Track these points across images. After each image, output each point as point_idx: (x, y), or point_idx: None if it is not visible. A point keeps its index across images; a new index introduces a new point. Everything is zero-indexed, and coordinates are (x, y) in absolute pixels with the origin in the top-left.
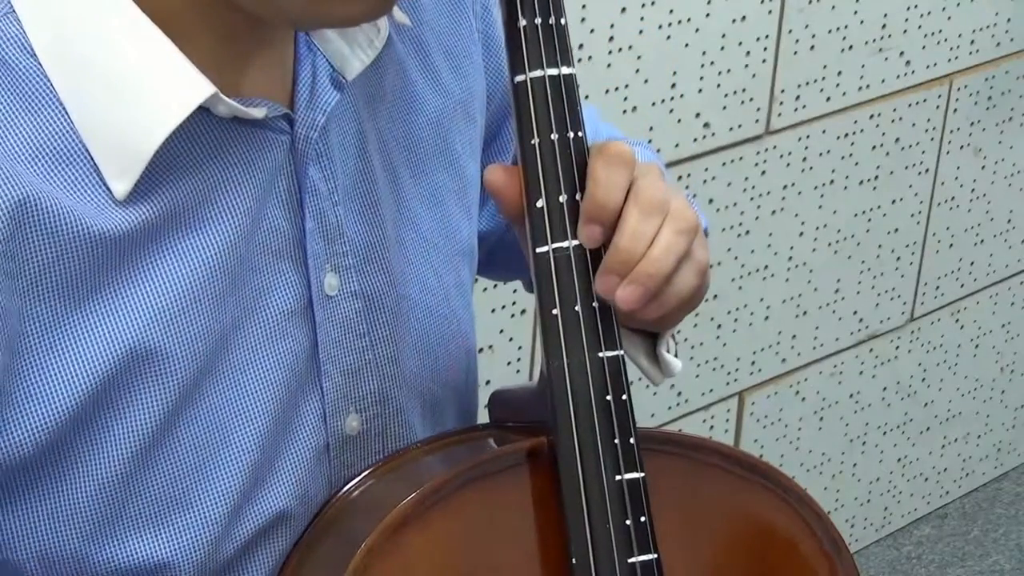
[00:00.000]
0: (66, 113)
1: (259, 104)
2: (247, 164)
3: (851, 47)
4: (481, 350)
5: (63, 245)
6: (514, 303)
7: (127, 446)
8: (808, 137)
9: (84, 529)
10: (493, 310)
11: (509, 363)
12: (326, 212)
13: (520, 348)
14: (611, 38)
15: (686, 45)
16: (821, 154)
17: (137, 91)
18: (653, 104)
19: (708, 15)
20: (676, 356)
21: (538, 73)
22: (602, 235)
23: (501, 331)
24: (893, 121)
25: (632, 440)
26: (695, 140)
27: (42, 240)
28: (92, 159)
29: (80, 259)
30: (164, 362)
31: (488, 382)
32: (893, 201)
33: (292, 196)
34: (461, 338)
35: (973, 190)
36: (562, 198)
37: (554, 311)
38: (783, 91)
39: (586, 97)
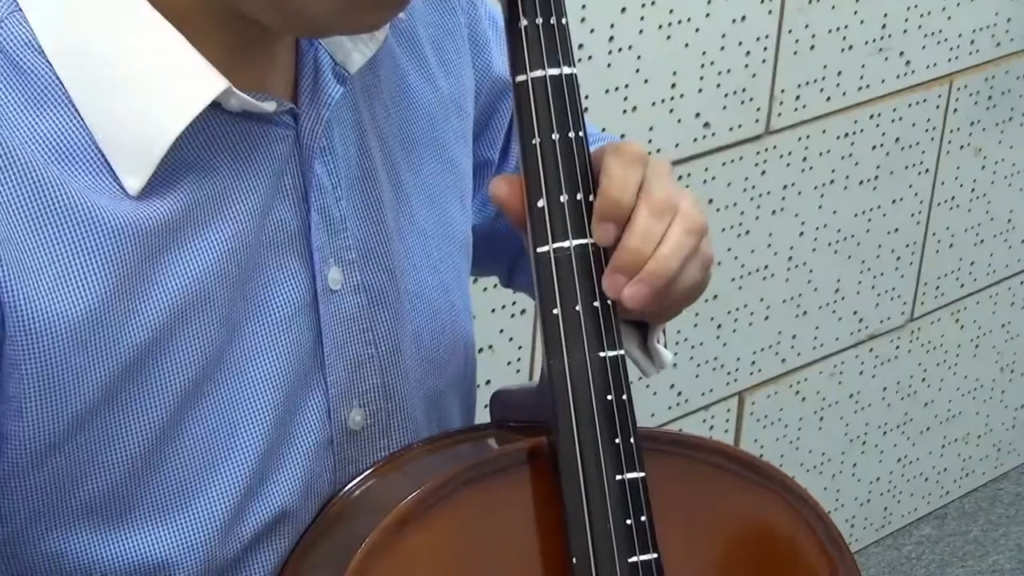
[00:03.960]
0: (76, 111)
1: (267, 98)
2: (255, 160)
3: (851, 47)
4: (481, 350)
5: (80, 235)
6: (514, 303)
7: (134, 442)
8: (808, 137)
9: (91, 524)
10: (493, 310)
11: (509, 363)
12: (330, 206)
13: (520, 348)
14: (611, 38)
15: (686, 45)
16: (821, 154)
17: (150, 86)
18: (653, 104)
19: (708, 15)
20: (666, 347)
21: (539, 73)
22: (615, 233)
23: (501, 331)
24: (893, 121)
25: (632, 440)
26: (695, 140)
27: (59, 229)
28: (104, 156)
29: (98, 251)
30: (175, 358)
31: (488, 382)
32: (893, 201)
33: (298, 191)
34: (459, 329)
35: (973, 190)
36: (563, 198)
37: (555, 311)
38: (783, 91)
39: (586, 97)
